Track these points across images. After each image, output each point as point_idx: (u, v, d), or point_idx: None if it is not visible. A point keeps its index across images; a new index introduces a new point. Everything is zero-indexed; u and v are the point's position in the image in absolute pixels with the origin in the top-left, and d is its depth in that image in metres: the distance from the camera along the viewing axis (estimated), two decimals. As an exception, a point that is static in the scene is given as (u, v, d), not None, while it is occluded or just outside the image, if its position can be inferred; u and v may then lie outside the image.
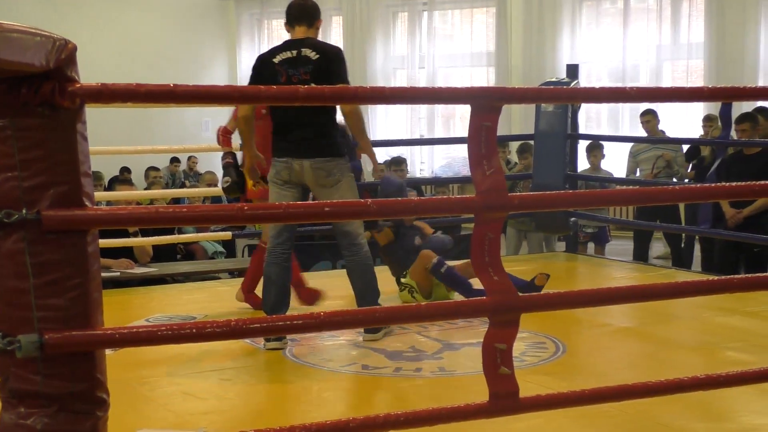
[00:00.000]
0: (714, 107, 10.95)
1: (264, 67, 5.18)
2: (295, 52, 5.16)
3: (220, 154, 6.49)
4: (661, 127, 10.33)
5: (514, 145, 10.96)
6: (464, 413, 2.74)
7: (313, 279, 7.33)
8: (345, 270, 5.38)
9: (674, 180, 9.57)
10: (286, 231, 5.32)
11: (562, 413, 3.44)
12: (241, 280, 7.71)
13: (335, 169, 5.17)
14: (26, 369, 2.13)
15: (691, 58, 14.29)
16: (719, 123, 10.08)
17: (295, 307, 5.65)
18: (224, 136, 6.16)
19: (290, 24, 5.30)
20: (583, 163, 10.09)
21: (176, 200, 10.45)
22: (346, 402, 4.41)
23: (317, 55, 5.14)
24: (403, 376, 4.71)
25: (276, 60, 5.16)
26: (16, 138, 2.09)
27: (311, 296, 6.10)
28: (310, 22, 5.29)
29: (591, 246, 10.08)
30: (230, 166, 5.94)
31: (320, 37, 5.42)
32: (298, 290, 6.00)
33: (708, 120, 10.45)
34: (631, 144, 10.32)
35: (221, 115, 18.49)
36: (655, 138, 9.89)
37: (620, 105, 14.21)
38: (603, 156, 10.02)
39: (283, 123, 5.18)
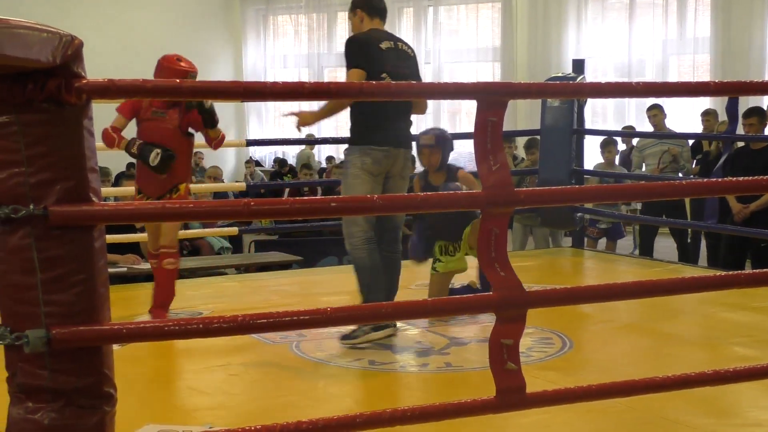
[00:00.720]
0: (720, 102, 10.94)
1: (372, 49, 5.14)
2: (392, 44, 5.23)
3: (226, 149, 6.50)
4: (669, 121, 10.31)
5: (521, 141, 10.96)
6: (471, 409, 2.74)
7: (319, 274, 7.36)
8: (384, 263, 5.30)
9: (680, 175, 9.55)
10: (369, 223, 5.24)
11: (569, 408, 3.43)
12: (247, 275, 7.73)
13: (410, 161, 5.39)
14: (33, 364, 2.14)
15: (697, 52, 14.28)
16: (717, 117, 10.08)
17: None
18: (116, 133, 5.68)
19: (372, 15, 5.31)
20: (596, 159, 10.09)
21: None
22: (353, 397, 4.41)
23: (412, 53, 5.34)
24: (409, 371, 4.71)
25: (383, 47, 5.17)
26: (23, 134, 2.09)
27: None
28: (386, 18, 5.40)
29: (602, 241, 10.08)
30: (146, 144, 5.68)
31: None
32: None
33: (706, 114, 10.41)
34: (637, 139, 10.31)
35: (227, 109, 18.57)
36: (661, 133, 9.87)
37: (626, 100, 14.21)
38: (617, 152, 10.01)
39: (383, 112, 5.15)
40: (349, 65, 5.12)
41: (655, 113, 9.90)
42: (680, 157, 9.67)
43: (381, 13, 5.35)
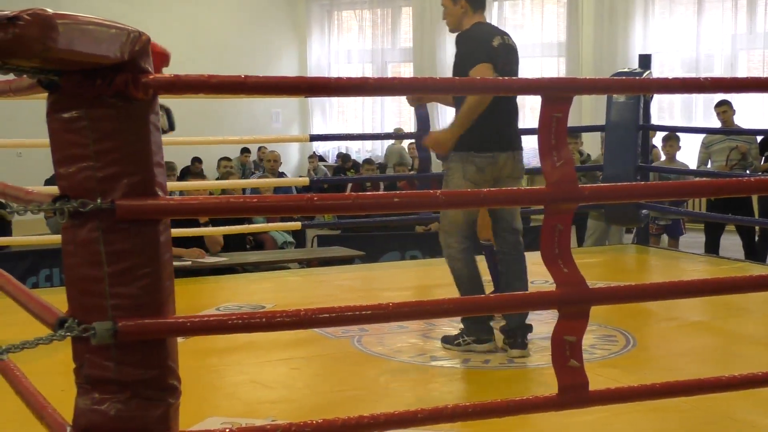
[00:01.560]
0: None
1: (486, 48, 4.89)
2: (501, 39, 4.98)
3: (290, 144, 6.46)
4: (737, 118, 10.14)
5: (585, 136, 10.87)
6: (533, 406, 2.72)
7: (381, 269, 7.37)
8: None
9: (747, 172, 9.40)
10: (465, 233, 5.01)
11: (632, 407, 3.40)
12: (309, 270, 7.75)
13: (522, 162, 5.09)
14: (100, 356, 2.16)
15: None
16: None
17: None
18: None
19: (476, 7, 5.07)
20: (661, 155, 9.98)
21: (244, 190, 10.54)
22: (414, 393, 4.41)
23: (515, 46, 5.09)
24: (471, 367, 4.70)
25: (495, 44, 4.92)
26: (91, 129, 2.12)
27: None
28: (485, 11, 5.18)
29: (664, 239, 9.96)
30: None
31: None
32: None
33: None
34: (704, 135, 10.16)
35: (290, 106, 18.68)
36: (728, 129, 9.73)
37: (694, 96, 14.02)
38: (679, 147, 9.87)
39: (487, 114, 4.83)
40: (474, 61, 4.85)
41: (725, 110, 9.74)
42: (749, 155, 9.52)
43: (484, 6, 5.10)
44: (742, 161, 9.48)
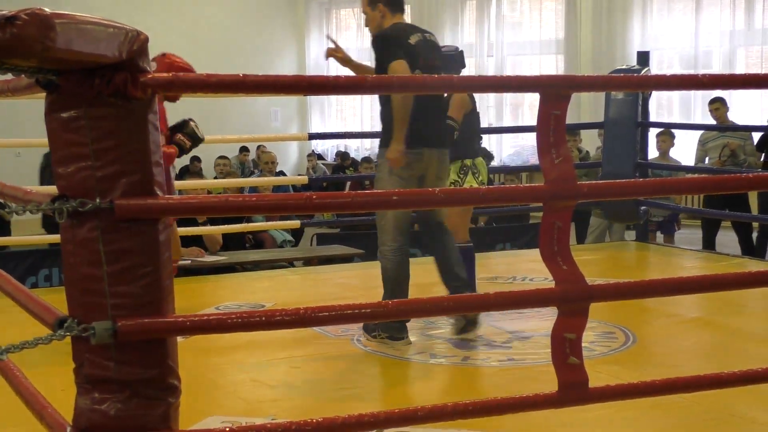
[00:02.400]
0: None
1: (402, 45, 4.99)
2: (421, 36, 5.09)
3: (289, 143, 6.43)
4: (734, 115, 10.12)
5: (585, 133, 10.86)
6: (533, 403, 2.72)
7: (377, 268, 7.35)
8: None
9: (742, 169, 9.37)
10: (400, 231, 5.06)
11: (632, 404, 3.41)
12: (309, 268, 7.76)
13: (448, 161, 5.23)
14: (100, 355, 2.17)
15: (766, 44, 14.02)
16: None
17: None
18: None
19: (395, 10, 5.19)
20: (651, 150, 9.96)
21: (242, 189, 10.54)
22: (414, 391, 4.41)
23: (437, 44, 5.22)
24: (471, 365, 4.70)
25: (412, 42, 5.03)
26: (90, 128, 2.12)
27: None
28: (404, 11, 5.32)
29: (659, 236, 9.96)
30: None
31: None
32: None
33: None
34: (697, 132, 10.15)
35: (289, 105, 18.68)
36: (724, 126, 9.72)
37: (692, 92, 14.02)
38: (673, 144, 9.86)
39: (417, 110, 4.91)
40: (389, 58, 4.93)
41: (717, 107, 9.74)
42: (741, 151, 9.49)
43: (402, 7, 5.24)
44: (732, 157, 9.46)
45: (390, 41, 5.01)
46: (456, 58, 5.86)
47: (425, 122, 4.98)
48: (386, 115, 4.97)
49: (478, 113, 5.88)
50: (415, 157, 4.97)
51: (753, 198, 10.19)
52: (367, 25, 5.27)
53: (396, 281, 5.02)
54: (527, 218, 10.76)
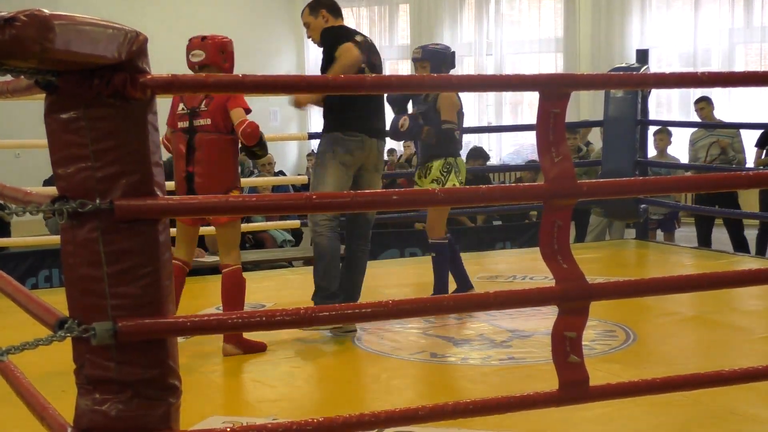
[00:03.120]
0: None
1: (351, 39, 5.18)
2: (363, 37, 5.30)
3: (288, 143, 6.41)
4: (733, 113, 10.11)
5: (592, 130, 10.84)
6: (534, 402, 2.72)
7: (381, 267, 7.37)
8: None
9: (733, 166, 9.34)
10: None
11: (633, 402, 3.41)
12: (310, 268, 7.72)
13: (384, 153, 5.42)
14: (100, 356, 2.16)
15: (765, 41, 14.03)
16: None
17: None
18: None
19: (336, 15, 5.37)
20: (650, 148, 9.95)
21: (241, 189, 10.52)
22: (414, 390, 4.42)
23: (376, 48, 5.40)
24: (471, 364, 4.70)
25: (358, 39, 5.21)
26: (89, 129, 2.12)
27: (250, 347, 4.92)
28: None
29: (660, 234, 9.95)
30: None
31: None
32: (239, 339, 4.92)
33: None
34: (693, 130, 10.13)
35: (289, 105, 18.67)
36: (722, 123, 9.70)
37: (692, 90, 14.01)
38: (670, 142, 9.85)
39: (360, 100, 5.15)
40: (340, 42, 5.10)
41: (703, 106, 9.73)
42: (730, 149, 9.47)
43: (341, 13, 5.44)
44: (722, 155, 9.44)
45: (338, 32, 5.22)
46: (447, 58, 5.91)
47: (368, 112, 5.19)
48: (326, 104, 5.22)
49: (463, 113, 5.93)
50: (357, 144, 5.15)
51: (748, 196, 10.19)
52: (310, 36, 5.41)
53: (331, 257, 5.14)
54: (527, 217, 10.76)
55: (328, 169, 5.12)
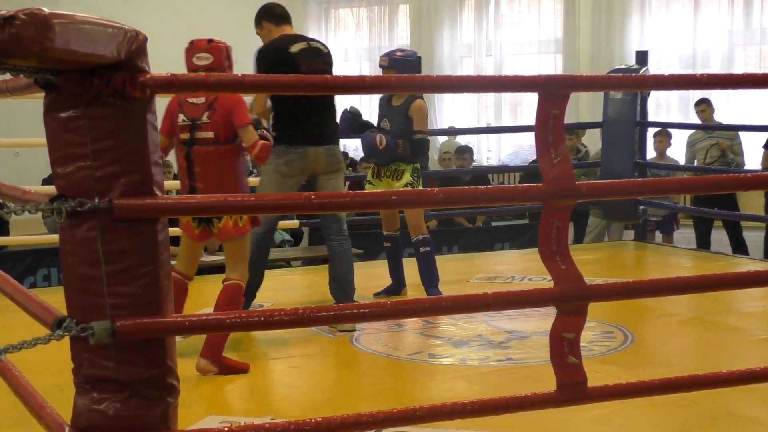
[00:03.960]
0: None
1: (278, 56, 5.32)
2: (306, 44, 5.41)
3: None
4: (734, 114, 10.10)
5: (587, 132, 10.84)
6: (532, 403, 2.73)
7: (379, 267, 7.35)
8: (333, 256, 5.53)
9: (732, 168, 9.33)
10: (268, 221, 5.39)
11: (631, 403, 3.41)
12: (308, 268, 7.74)
13: (339, 155, 5.53)
14: (99, 355, 2.16)
15: (764, 43, 14.02)
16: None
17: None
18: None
19: (279, 22, 5.51)
20: (649, 150, 9.94)
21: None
22: (412, 391, 4.41)
23: (326, 50, 5.51)
24: (469, 364, 4.70)
25: (293, 50, 5.32)
26: (89, 128, 2.12)
27: (229, 367, 4.60)
28: (291, 21, 5.63)
29: (658, 235, 9.95)
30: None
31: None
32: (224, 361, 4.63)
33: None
34: (691, 132, 10.12)
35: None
36: (719, 125, 9.70)
37: (691, 92, 14.01)
38: (669, 144, 9.85)
39: (298, 111, 5.28)
40: (260, 71, 5.31)
41: (703, 108, 9.72)
42: (729, 151, 9.47)
43: (286, 18, 5.54)
44: (721, 158, 9.44)
45: (261, 57, 5.41)
46: (413, 64, 6.04)
47: (308, 121, 5.30)
48: (274, 116, 5.38)
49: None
50: (298, 155, 5.30)
51: (750, 197, 10.18)
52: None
53: (254, 264, 5.05)
54: (526, 217, 10.75)
55: (268, 177, 5.39)
